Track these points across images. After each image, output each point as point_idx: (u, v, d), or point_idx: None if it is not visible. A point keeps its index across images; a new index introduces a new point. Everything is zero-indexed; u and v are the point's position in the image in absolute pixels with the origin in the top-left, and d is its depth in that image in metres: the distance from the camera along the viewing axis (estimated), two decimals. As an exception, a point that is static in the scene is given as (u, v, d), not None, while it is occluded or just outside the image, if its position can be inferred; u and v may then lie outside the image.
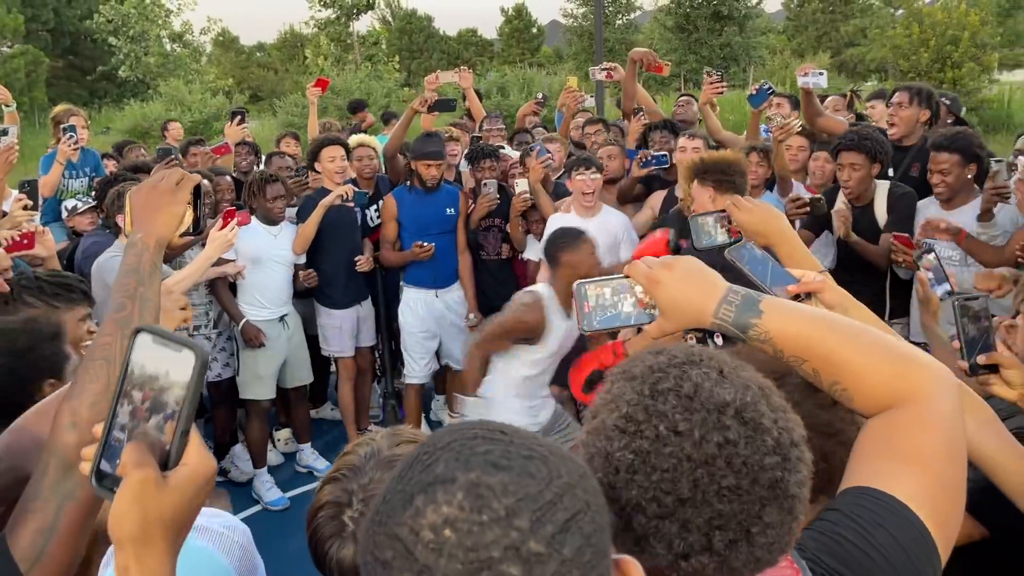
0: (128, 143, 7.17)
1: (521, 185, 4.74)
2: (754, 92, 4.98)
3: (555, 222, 4.51)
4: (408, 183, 4.85)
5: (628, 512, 0.85)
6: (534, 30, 45.68)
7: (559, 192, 4.97)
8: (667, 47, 31.57)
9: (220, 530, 1.33)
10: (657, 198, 4.69)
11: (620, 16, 37.67)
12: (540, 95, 7.02)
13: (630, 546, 0.86)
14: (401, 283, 5.08)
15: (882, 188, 3.99)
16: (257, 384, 4.69)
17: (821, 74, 4.62)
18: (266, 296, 4.62)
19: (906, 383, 1.06)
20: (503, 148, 5.60)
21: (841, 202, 4.07)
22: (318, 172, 5.01)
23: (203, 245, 3.85)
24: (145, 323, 1.26)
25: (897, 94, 4.45)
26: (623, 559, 0.78)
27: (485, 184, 4.86)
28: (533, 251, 4.99)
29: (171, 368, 0.92)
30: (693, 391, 0.87)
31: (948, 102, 5.45)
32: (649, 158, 4.64)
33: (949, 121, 5.17)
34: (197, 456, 0.94)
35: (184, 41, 32.10)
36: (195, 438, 0.94)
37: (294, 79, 32.85)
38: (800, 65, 4.90)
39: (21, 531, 1.14)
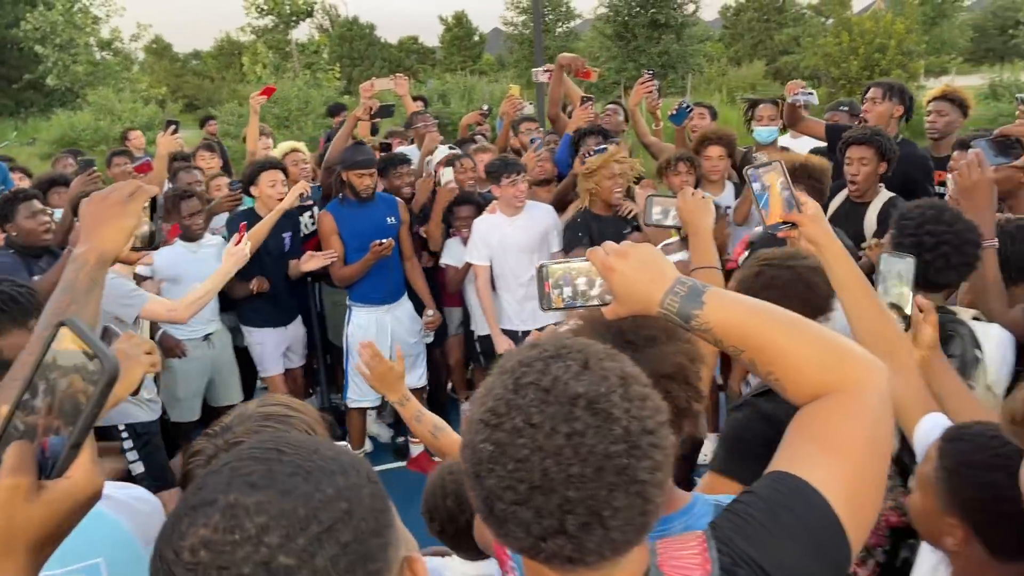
0: (74, 152, 6.94)
1: (446, 175, 4.77)
2: (674, 112, 5.10)
3: (481, 224, 4.53)
4: (340, 196, 4.68)
5: (490, 500, 0.92)
6: (475, 38, 45.75)
7: (488, 200, 4.92)
8: (607, 55, 31.86)
9: (120, 497, 1.31)
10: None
11: (560, 24, 37.95)
12: (485, 106, 6.97)
13: (495, 530, 0.94)
14: (348, 302, 4.86)
15: (882, 195, 3.91)
16: (176, 406, 4.50)
17: (811, 93, 4.78)
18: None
19: (836, 374, 1.11)
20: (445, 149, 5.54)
21: (837, 200, 4.01)
22: (252, 195, 4.80)
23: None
24: None
25: (871, 90, 4.52)
26: (410, 557, 0.86)
27: (443, 173, 4.87)
28: (451, 256, 4.95)
29: (82, 373, 0.87)
30: (551, 384, 0.92)
31: (847, 108, 5.56)
32: (591, 152, 4.65)
33: (856, 122, 5.26)
34: (83, 472, 0.88)
35: (114, 49, 31.20)
36: (87, 453, 0.88)
37: (231, 88, 32.24)
38: (790, 84, 4.96)
39: None
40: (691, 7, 32.03)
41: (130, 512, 1.32)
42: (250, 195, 4.84)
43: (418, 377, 4.87)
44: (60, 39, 28.77)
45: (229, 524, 0.73)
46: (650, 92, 5.18)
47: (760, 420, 1.94)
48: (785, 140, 5.93)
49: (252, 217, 4.64)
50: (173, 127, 5.33)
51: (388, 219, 4.70)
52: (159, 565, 0.75)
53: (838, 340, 1.16)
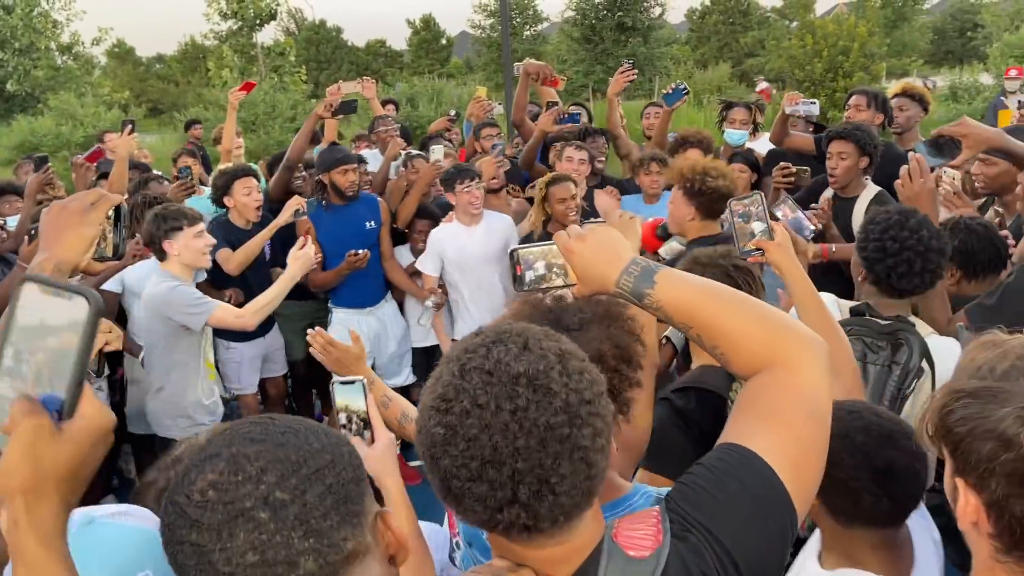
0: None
1: (436, 153, 4.80)
2: (669, 91, 5.10)
3: (438, 235, 4.50)
4: (322, 201, 4.57)
5: (447, 479, 0.99)
6: (443, 41, 45.71)
7: (444, 207, 4.87)
8: (574, 58, 32.03)
9: (136, 513, 1.32)
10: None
11: (527, 27, 38.06)
12: (453, 112, 6.94)
13: (454, 507, 1.02)
14: (329, 305, 4.78)
15: (871, 190, 4.01)
16: (140, 421, 4.28)
17: (813, 103, 4.89)
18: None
19: (776, 349, 1.18)
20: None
21: (824, 199, 4.10)
22: (226, 206, 4.62)
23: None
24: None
25: (855, 97, 4.65)
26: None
27: (433, 151, 4.92)
28: (405, 260, 4.93)
29: (62, 318, 0.91)
30: (493, 367, 0.99)
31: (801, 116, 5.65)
32: (563, 115, 4.68)
33: (810, 129, 5.35)
34: (92, 408, 0.94)
35: (75, 53, 30.68)
36: (88, 391, 0.94)
37: (196, 92, 31.88)
38: (789, 95, 5.04)
39: None
40: (657, 10, 32.34)
41: (148, 529, 1.33)
42: (223, 205, 4.65)
43: (404, 377, 4.82)
44: (20, 44, 28.24)
45: (233, 468, 0.86)
46: (631, 81, 5.20)
47: (674, 416, 2.14)
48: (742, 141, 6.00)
49: (228, 227, 4.50)
50: (129, 127, 5.21)
51: (368, 223, 4.61)
52: (171, 510, 0.87)
53: (780, 317, 1.23)
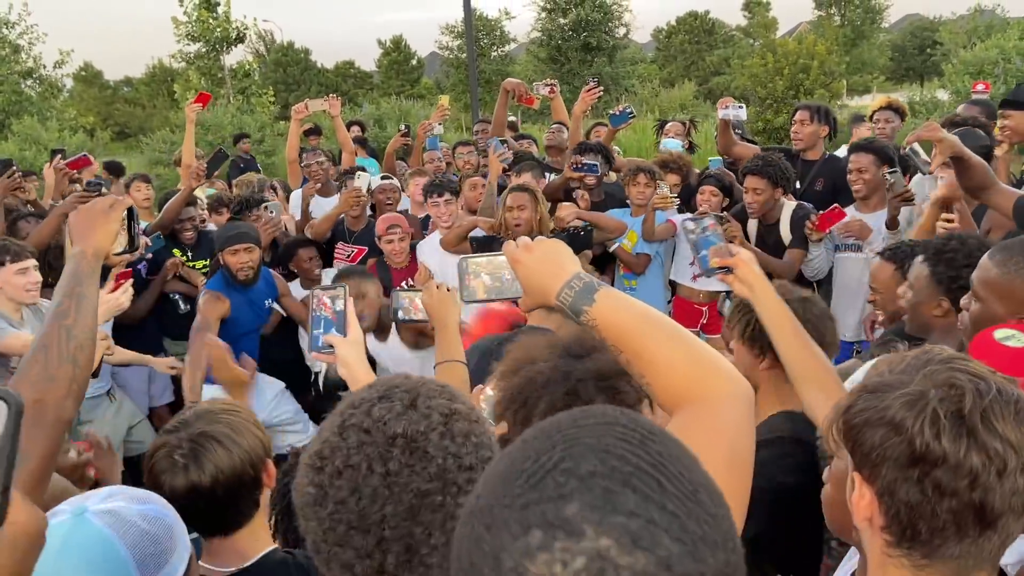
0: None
1: (360, 179, 4.71)
2: (616, 113, 5.22)
3: (423, 248, 4.52)
4: (224, 277, 4.10)
5: (316, 542, 0.94)
6: (413, 62, 45.89)
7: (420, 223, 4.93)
8: (541, 78, 32.26)
9: (125, 513, 1.29)
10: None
11: (495, 48, 38.35)
12: (403, 126, 6.98)
13: (324, 570, 0.96)
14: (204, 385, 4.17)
15: (788, 208, 4.29)
16: None
17: (741, 107, 4.99)
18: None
19: (699, 386, 1.15)
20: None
21: (752, 224, 4.43)
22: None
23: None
24: (83, 315, 1.49)
25: (799, 112, 4.87)
26: None
27: (358, 176, 4.76)
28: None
29: None
30: (371, 425, 0.95)
31: (739, 132, 5.82)
32: (581, 164, 4.72)
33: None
34: (23, 514, 0.90)
35: (39, 77, 30.37)
36: (17, 494, 0.89)
37: (163, 115, 31.71)
38: (722, 99, 5.28)
39: None
40: (623, 30, 32.75)
41: (133, 532, 1.26)
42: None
43: (308, 434, 4.23)
44: (-20, 69, 27.92)
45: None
46: (595, 99, 5.35)
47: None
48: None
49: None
50: (58, 156, 5.25)
51: (267, 302, 4.27)
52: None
53: (710, 355, 1.20)
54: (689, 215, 2.14)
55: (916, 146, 3.12)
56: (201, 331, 3.69)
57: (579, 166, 4.71)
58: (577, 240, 4.22)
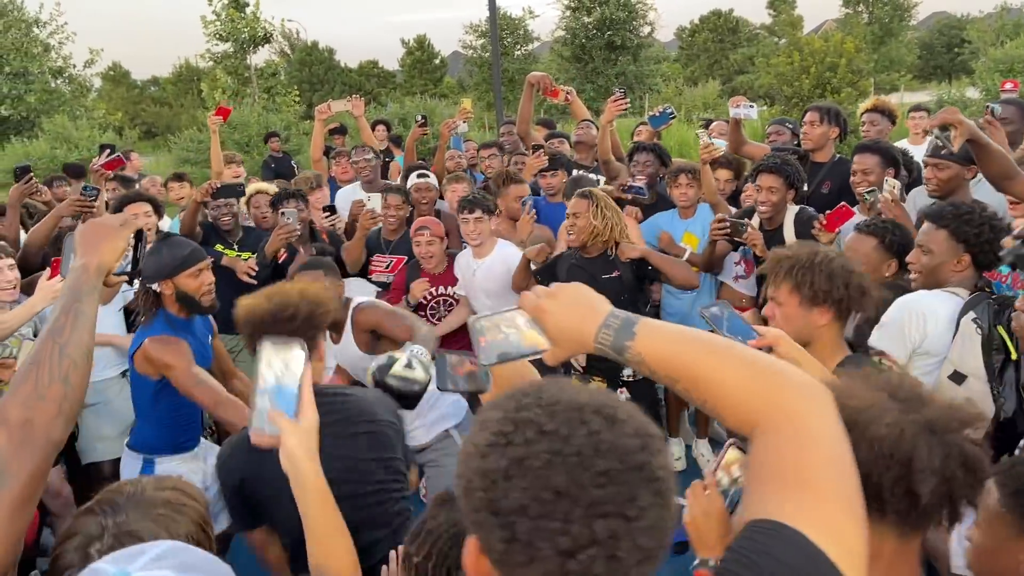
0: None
1: (374, 200, 4.62)
2: (657, 114, 5.21)
3: (460, 259, 4.50)
4: (158, 314, 3.23)
5: (512, 520, 0.86)
6: (436, 61, 46.02)
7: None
8: (565, 76, 32.23)
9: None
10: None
11: (518, 47, 38.35)
12: (420, 116, 6.92)
13: (520, 558, 0.86)
14: (140, 455, 3.42)
15: (791, 212, 4.16)
16: (101, 444, 4.13)
17: (751, 106, 4.90)
18: (102, 351, 3.84)
19: (771, 400, 1.08)
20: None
21: (750, 226, 4.21)
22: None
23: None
24: (79, 332, 1.43)
25: (809, 114, 4.75)
26: None
27: (283, 214, 4.49)
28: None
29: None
30: (554, 400, 0.91)
31: (790, 125, 5.78)
32: (628, 186, 4.65)
33: (794, 142, 5.50)
34: None
35: (68, 76, 30.82)
36: None
37: (190, 114, 32.05)
38: (733, 98, 5.21)
39: None
40: (647, 29, 32.65)
41: None
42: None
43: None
44: (12, 68, 28.41)
45: None
46: (623, 109, 5.29)
47: None
48: None
49: None
50: (108, 150, 5.32)
51: (208, 338, 3.51)
52: None
53: (773, 365, 1.12)
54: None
55: (936, 131, 3.18)
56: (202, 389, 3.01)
57: (627, 188, 4.63)
58: (644, 271, 4.00)
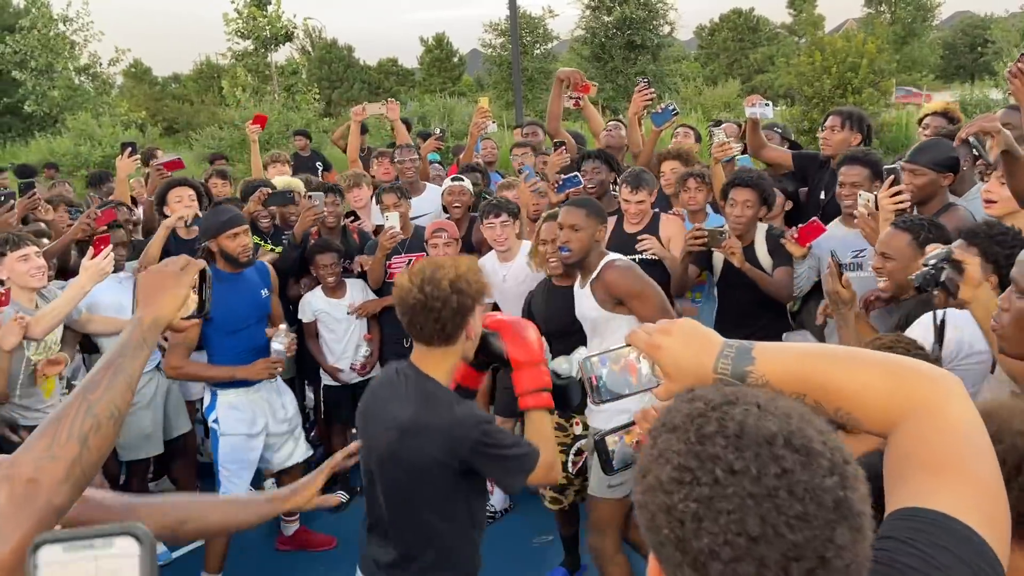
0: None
1: (391, 219, 4.60)
2: (659, 111, 5.09)
3: (482, 266, 4.48)
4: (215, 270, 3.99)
5: (703, 562, 0.84)
6: (455, 59, 46.06)
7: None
8: (584, 76, 32.21)
9: None
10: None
11: (538, 46, 38.31)
12: (438, 130, 6.94)
13: None
14: (212, 387, 4.14)
15: (760, 230, 4.10)
16: (144, 443, 4.40)
17: (767, 104, 4.77)
18: None
19: (906, 395, 1.09)
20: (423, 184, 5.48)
21: (729, 235, 4.17)
22: (167, 215, 4.78)
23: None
24: (113, 391, 1.34)
25: (830, 118, 4.59)
26: None
27: (386, 217, 4.64)
28: (305, 312, 4.91)
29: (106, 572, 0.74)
30: (739, 430, 0.87)
31: (779, 131, 5.69)
32: (561, 181, 4.64)
33: (785, 147, 5.44)
34: None
35: (92, 73, 31.12)
36: None
37: (210, 111, 32.28)
38: (748, 97, 5.01)
39: None
40: (666, 28, 32.53)
41: None
42: (164, 214, 4.83)
43: (303, 452, 4.37)
44: (37, 64, 28.72)
45: None
46: (649, 100, 5.19)
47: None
48: None
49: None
50: (130, 149, 5.39)
51: (262, 292, 4.16)
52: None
53: (898, 361, 1.14)
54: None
55: (973, 139, 3.09)
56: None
57: (560, 185, 4.60)
58: (656, 269, 4.03)
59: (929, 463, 1.03)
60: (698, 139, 6.47)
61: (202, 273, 1.66)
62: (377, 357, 4.90)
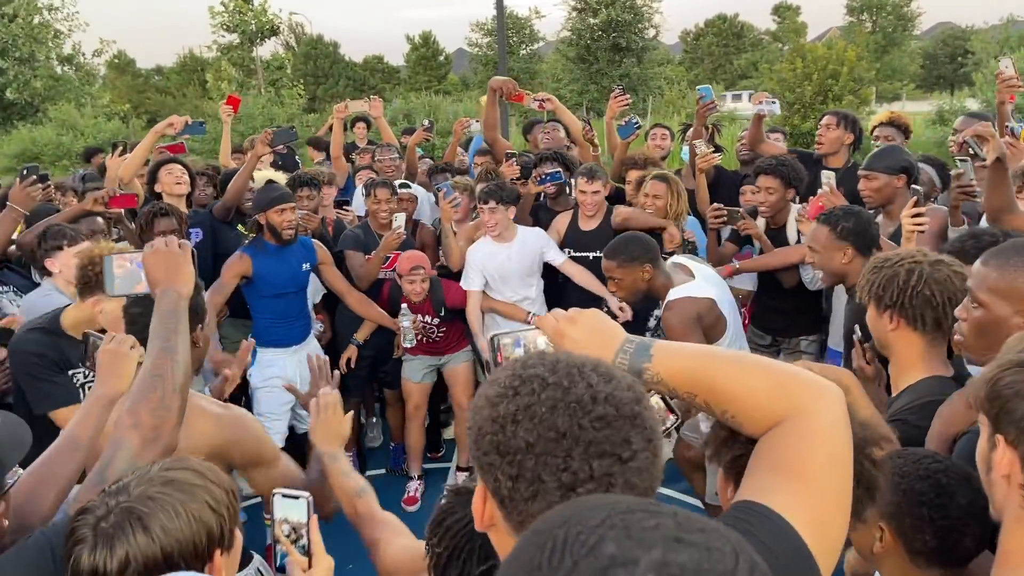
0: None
1: (398, 220, 4.66)
2: (623, 124, 5.18)
3: (477, 252, 4.61)
4: (258, 240, 4.35)
5: (518, 458, 0.95)
6: (441, 58, 46.10)
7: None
8: (569, 77, 32.39)
9: None
10: (563, 221, 4.79)
11: (524, 46, 38.47)
12: (426, 121, 6.93)
13: (524, 494, 0.94)
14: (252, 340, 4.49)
15: (794, 211, 4.26)
16: None
17: (774, 102, 4.95)
18: None
19: (785, 400, 1.13)
20: (406, 184, 5.47)
21: (761, 224, 4.40)
22: (158, 195, 4.79)
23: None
24: (185, 353, 1.66)
25: (826, 117, 4.83)
26: None
27: (395, 217, 4.69)
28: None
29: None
30: (556, 359, 1.02)
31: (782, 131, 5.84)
32: (544, 175, 4.78)
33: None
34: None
35: (75, 64, 30.88)
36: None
37: (193, 104, 32.11)
38: (756, 94, 5.20)
39: None
40: (651, 32, 32.77)
41: None
42: (155, 193, 4.84)
43: None
44: (20, 52, 28.48)
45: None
46: (625, 106, 5.27)
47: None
48: None
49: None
50: (121, 148, 5.40)
51: (304, 266, 4.44)
52: None
53: (785, 369, 1.19)
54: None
55: (971, 140, 3.20)
56: (214, 290, 4.09)
57: (542, 178, 4.75)
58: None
59: (778, 464, 1.10)
60: (674, 138, 6.59)
61: (192, 253, 1.84)
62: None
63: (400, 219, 4.67)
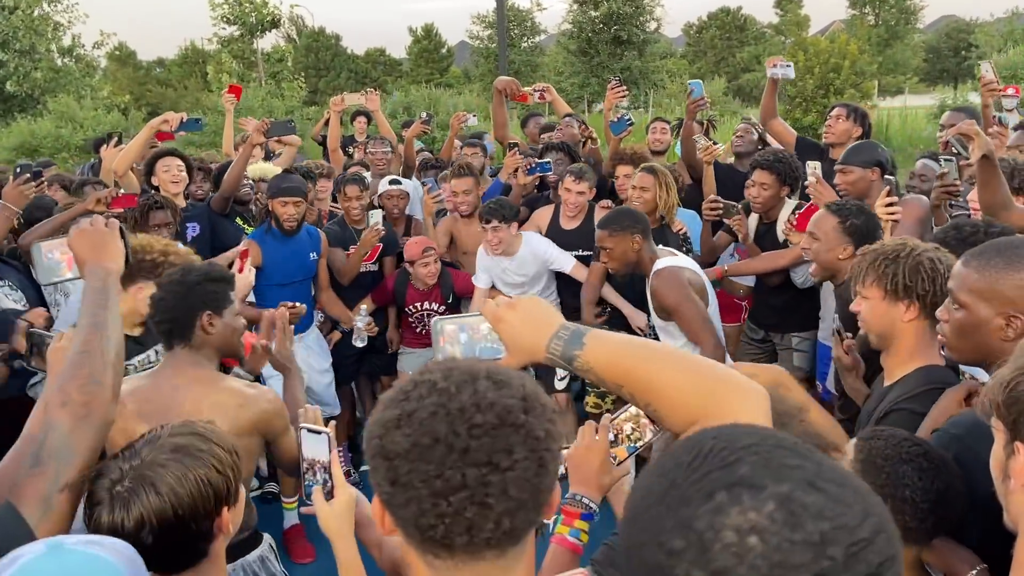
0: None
1: (374, 217, 4.62)
2: (615, 121, 5.16)
3: (486, 258, 4.59)
4: (267, 225, 4.42)
5: (396, 463, 0.94)
6: (443, 51, 45.98)
7: None
8: (570, 70, 32.32)
9: (109, 543, 1.31)
10: (544, 216, 4.77)
11: (525, 39, 38.37)
12: (424, 114, 6.92)
13: (400, 499, 0.95)
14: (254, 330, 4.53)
15: (787, 207, 4.25)
16: None
17: (788, 66, 4.90)
18: None
19: (708, 400, 1.14)
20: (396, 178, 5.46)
21: (754, 219, 4.40)
22: (155, 187, 4.72)
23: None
24: (116, 329, 1.62)
25: (836, 109, 4.80)
26: None
27: (371, 215, 4.65)
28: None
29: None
30: (452, 365, 1.01)
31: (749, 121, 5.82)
32: (533, 165, 4.75)
33: (760, 147, 5.60)
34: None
35: (76, 55, 30.81)
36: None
37: (194, 96, 32.10)
38: (770, 58, 5.15)
39: (27, 493, 1.40)
40: (653, 24, 32.68)
41: (119, 551, 1.28)
42: (154, 187, 4.76)
43: (335, 406, 4.66)
44: (20, 45, 28.41)
45: (788, 519, 0.67)
46: (622, 97, 5.28)
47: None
48: None
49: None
50: (116, 139, 5.38)
51: (311, 255, 4.51)
52: (680, 531, 0.70)
53: (714, 367, 1.20)
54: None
55: (954, 140, 3.19)
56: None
57: (531, 168, 4.74)
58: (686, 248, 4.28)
59: None
60: (674, 131, 6.57)
61: (120, 230, 1.83)
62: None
63: (376, 215, 4.64)
